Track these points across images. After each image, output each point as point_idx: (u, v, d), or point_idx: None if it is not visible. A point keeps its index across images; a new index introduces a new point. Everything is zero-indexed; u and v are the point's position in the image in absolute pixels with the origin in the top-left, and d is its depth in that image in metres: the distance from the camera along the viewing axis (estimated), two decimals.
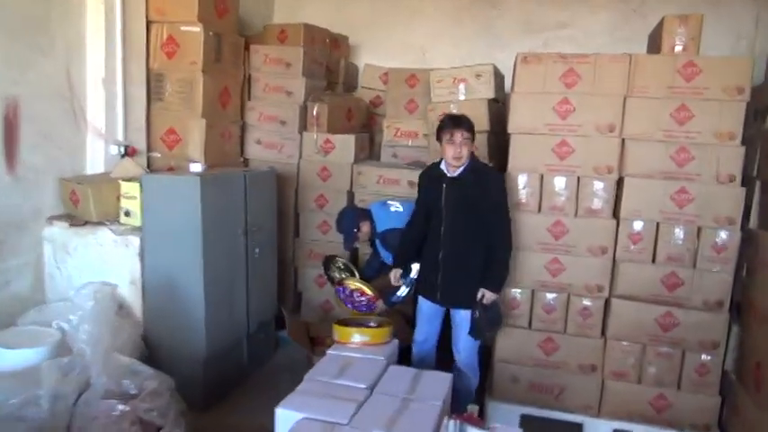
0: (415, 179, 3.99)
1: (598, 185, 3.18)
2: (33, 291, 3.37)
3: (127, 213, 3.36)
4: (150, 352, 3.37)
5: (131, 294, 3.34)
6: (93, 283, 3.13)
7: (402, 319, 3.97)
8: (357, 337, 2.96)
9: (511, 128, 3.27)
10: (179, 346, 3.33)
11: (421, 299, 3.29)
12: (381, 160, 4.69)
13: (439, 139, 3.05)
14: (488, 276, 3.06)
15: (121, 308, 3.36)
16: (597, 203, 3.19)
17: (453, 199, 3.04)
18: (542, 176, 3.24)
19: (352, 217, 3.64)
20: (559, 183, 3.22)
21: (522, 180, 3.27)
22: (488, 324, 3.09)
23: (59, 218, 3.39)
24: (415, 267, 3.35)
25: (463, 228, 3.06)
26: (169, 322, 3.33)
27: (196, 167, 3.43)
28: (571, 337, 3.28)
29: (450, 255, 3.09)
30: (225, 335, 3.44)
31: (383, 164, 4.44)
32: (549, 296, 3.30)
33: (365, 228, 3.62)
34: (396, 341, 3.07)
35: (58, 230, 3.36)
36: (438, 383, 2.61)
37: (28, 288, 3.34)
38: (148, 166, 3.93)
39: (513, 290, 3.35)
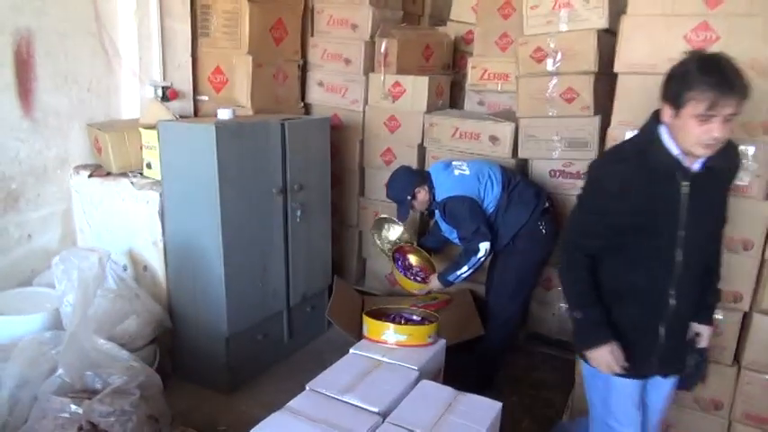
0: (502, 133, 3.23)
1: (745, 151, 2.21)
2: (63, 245, 3.11)
3: (149, 165, 2.95)
4: (174, 326, 3.01)
5: (155, 258, 2.97)
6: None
7: (470, 302, 3.28)
8: (391, 334, 2.34)
9: (619, 65, 2.36)
10: (202, 320, 2.93)
11: (618, 381, 1.94)
12: (466, 108, 3.90)
13: (675, 102, 1.63)
14: (707, 306, 2.01)
15: (146, 272, 3.01)
16: (743, 178, 2.22)
17: (698, 206, 1.75)
18: None
19: (406, 181, 2.95)
20: None
21: None
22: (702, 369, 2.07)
23: (85, 167, 3.07)
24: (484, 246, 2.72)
25: (703, 249, 1.87)
26: (192, 293, 2.92)
27: (225, 114, 2.91)
28: None
29: (686, 293, 1.85)
30: (254, 309, 2.98)
31: (462, 113, 3.65)
32: None
33: (422, 194, 2.93)
34: (442, 342, 2.41)
35: (83, 181, 3.04)
36: (482, 414, 1.93)
37: (56, 242, 3.09)
38: (195, 112, 3.51)
39: None
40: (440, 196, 2.85)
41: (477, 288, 3.36)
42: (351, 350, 2.33)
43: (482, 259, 2.76)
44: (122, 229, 3.02)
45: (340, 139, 3.87)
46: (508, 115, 3.38)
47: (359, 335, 3.11)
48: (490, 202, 2.82)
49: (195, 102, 3.51)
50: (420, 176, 2.95)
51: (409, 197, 2.92)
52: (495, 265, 2.97)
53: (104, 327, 2.54)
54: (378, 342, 2.36)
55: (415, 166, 3.50)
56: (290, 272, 3.18)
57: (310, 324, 3.43)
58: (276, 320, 3.19)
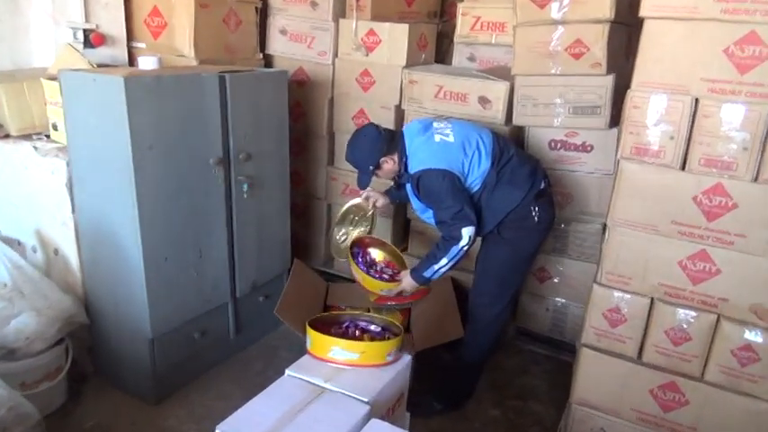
0: (494, 94, 2.66)
1: None
2: None
3: (54, 126, 2.39)
4: (93, 322, 2.51)
5: (66, 240, 2.44)
6: None
7: (450, 293, 2.78)
8: (340, 351, 1.84)
9: (647, 6, 1.78)
10: (122, 317, 2.42)
11: None
12: (454, 64, 3.31)
13: None
14: None
15: (57, 256, 2.49)
16: None
17: None
18: (696, 102, 1.77)
19: (370, 147, 2.36)
20: (731, 115, 1.74)
21: (655, 107, 1.82)
22: None
23: None
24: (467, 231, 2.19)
25: None
26: (110, 285, 2.41)
27: (148, 63, 2.34)
28: (714, 389, 1.93)
29: None
30: (187, 304, 2.47)
31: (447, 69, 3.07)
32: (683, 314, 1.93)
33: (389, 165, 2.36)
34: (406, 360, 1.91)
35: None
36: None
37: None
38: (130, 62, 2.92)
39: (617, 293, 2.01)
40: (414, 167, 2.28)
41: (463, 277, 2.86)
42: (287, 371, 1.83)
43: (465, 249, 2.24)
44: (28, 203, 2.48)
45: (306, 98, 3.30)
46: (503, 73, 2.80)
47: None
48: (476, 180, 2.27)
49: (130, 49, 2.91)
50: (389, 143, 2.35)
51: (372, 167, 2.36)
52: (477, 257, 2.45)
53: None
54: (323, 360, 1.86)
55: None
56: (235, 257, 2.66)
57: (263, 316, 2.91)
58: (219, 315, 2.68)
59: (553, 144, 2.72)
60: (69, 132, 2.25)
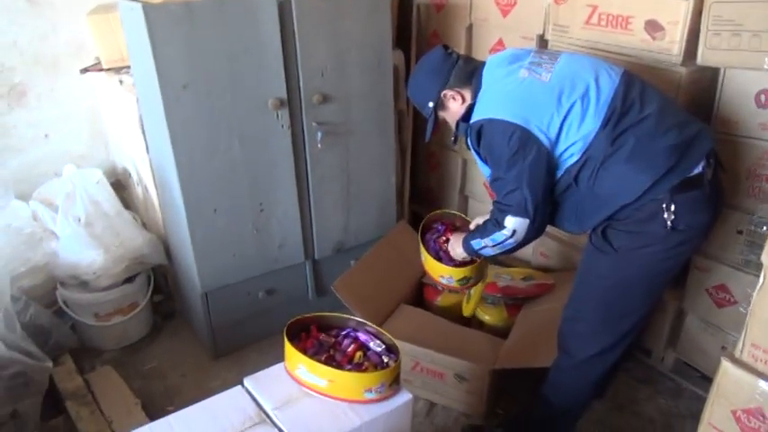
0: (669, 15, 1.76)
1: None
2: (93, 147, 2.73)
3: None
4: (171, 265, 2.47)
5: (149, 178, 2.38)
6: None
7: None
8: (305, 373, 1.40)
9: None
10: (183, 266, 2.31)
11: None
12: None
13: None
14: None
15: (148, 193, 2.47)
16: None
17: None
18: None
19: (430, 74, 1.68)
20: None
21: None
22: None
23: None
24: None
25: None
26: (174, 232, 2.30)
27: None
28: None
29: None
30: (245, 261, 2.23)
31: None
32: None
33: (455, 103, 1.66)
34: (404, 398, 1.39)
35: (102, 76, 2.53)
36: None
37: (83, 144, 2.71)
38: None
39: (765, 384, 1.11)
40: (477, 113, 1.57)
41: None
42: (245, 380, 1.46)
43: (511, 243, 1.55)
44: (124, 138, 2.48)
45: (444, 25, 2.68)
46: None
47: (381, 316, 2.19)
48: (572, 146, 1.47)
49: None
50: (460, 72, 1.64)
51: (432, 104, 1.69)
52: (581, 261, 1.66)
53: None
54: (292, 377, 1.44)
55: None
56: (312, 215, 2.32)
57: None
58: (292, 275, 2.41)
59: (763, 98, 1.68)
60: (132, 67, 2.12)
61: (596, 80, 1.48)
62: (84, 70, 2.46)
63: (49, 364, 1.95)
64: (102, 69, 2.41)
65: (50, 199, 2.44)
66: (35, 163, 2.62)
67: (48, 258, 2.24)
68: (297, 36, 2.02)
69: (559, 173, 1.50)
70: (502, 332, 2.17)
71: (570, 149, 1.47)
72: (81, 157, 2.70)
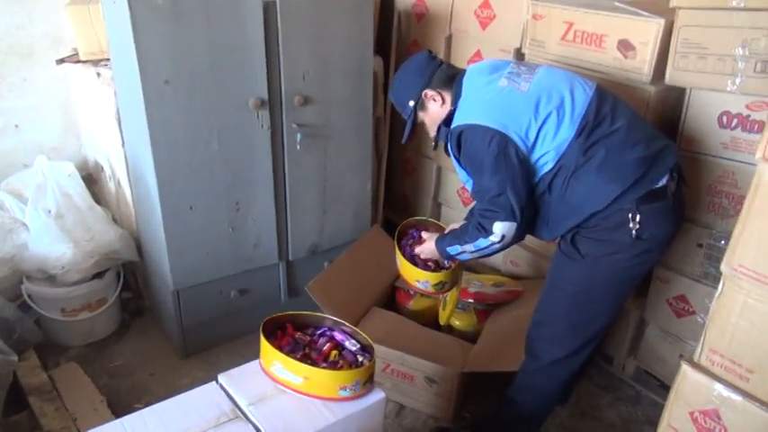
0: (640, 36, 1.83)
1: None
2: (65, 140, 2.69)
3: None
4: (143, 261, 2.45)
5: (122, 173, 2.35)
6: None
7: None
8: (281, 370, 1.41)
9: None
10: (155, 263, 2.30)
11: None
12: None
13: None
14: None
15: (120, 188, 2.44)
16: None
17: None
18: None
19: (413, 74, 1.73)
20: None
21: None
22: None
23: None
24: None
25: None
26: (147, 228, 2.29)
27: None
28: None
29: None
30: (219, 259, 2.23)
31: (585, 1, 2.19)
32: None
33: (435, 104, 1.70)
34: (377, 397, 1.41)
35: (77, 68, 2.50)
36: None
37: (54, 136, 2.67)
38: None
39: (721, 388, 1.19)
40: (458, 118, 1.61)
41: None
42: (219, 376, 1.47)
43: (495, 248, 1.60)
44: (98, 131, 2.45)
45: (424, 34, 2.73)
46: (657, 7, 1.88)
47: (353, 318, 2.21)
48: (547, 154, 1.53)
49: None
50: (443, 76, 1.70)
51: (413, 102, 1.73)
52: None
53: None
54: (267, 374, 1.45)
55: None
56: (287, 216, 2.33)
57: None
58: (265, 276, 2.41)
59: (725, 119, 1.77)
60: (112, 60, 2.11)
61: (571, 93, 1.55)
62: (61, 61, 2.43)
63: (14, 358, 1.91)
64: (78, 61, 2.38)
65: (19, 190, 2.40)
66: (4, 153, 2.56)
67: (15, 250, 2.19)
68: (281, 37, 2.04)
69: (534, 180, 1.56)
70: (472, 337, 2.21)
71: (545, 157, 1.53)
72: (52, 149, 2.66)
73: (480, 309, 2.32)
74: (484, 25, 2.42)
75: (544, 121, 1.51)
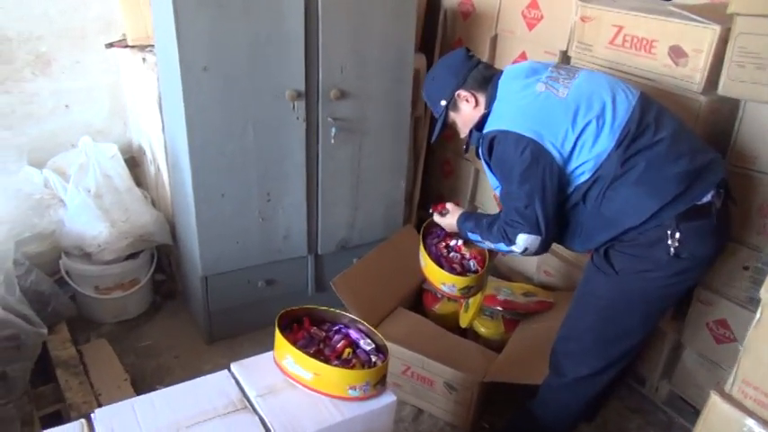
0: (693, 43, 1.74)
1: None
2: (112, 122, 2.75)
3: None
4: (176, 245, 2.49)
5: (162, 158, 2.40)
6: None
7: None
8: (292, 364, 1.40)
9: None
10: (186, 248, 2.33)
11: None
12: None
13: None
14: None
15: (159, 172, 2.49)
16: None
17: None
18: None
19: (447, 74, 1.68)
20: None
21: None
22: None
23: None
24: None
25: None
26: (181, 213, 2.32)
27: None
28: None
29: None
30: (248, 248, 2.24)
31: (638, 4, 2.07)
32: None
33: (468, 105, 1.65)
34: (387, 400, 1.38)
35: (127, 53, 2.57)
36: None
37: (102, 118, 2.71)
38: None
39: (753, 424, 1.10)
40: (490, 124, 1.56)
41: None
42: (231, 365, 1.47)
43: (515, 254, 1.55)
44: (142, 115, 2.51)
45: (469, 34, 2.68)
46: (713, 13, 1.78)
47: (377, 317, 2.19)
48: (584, 165, 1.46)
49: None
50: (478, 76, 1.64)
51: (444, 102, 1.68)
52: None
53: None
54: (279, 367, 1.44)
55: None
56: (318, 210, 2.32)
57: None
58: (293, 268, 2.41)
59: None
60: (156, 47, 2.15)
61: (613, 100, 1.47)
62: (110, 45, 2.49)
63: (44, 330, 1.97)
64: (127, 46, 2.44)
65: (64, 169, 2.46)
66: (53, 132, 2.64)
67: (54, 226, 2.26)
68: (320, 29, 2.03)
69: (569, 190, 1.49)
70: (497, 345, 2.15)
71: (581, 168, 1.46)
72: (99, 131, 2.72)
73: (508, 317, 2.25)
74: (531, 26, 2.35)
75: (582, 131, 1.44)
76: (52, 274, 2.37)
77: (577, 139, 1.44)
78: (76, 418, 1.29)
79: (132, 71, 2.49)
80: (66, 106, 2.65)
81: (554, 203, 1.46)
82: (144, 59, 2.34)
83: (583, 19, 2.09)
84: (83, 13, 2.53)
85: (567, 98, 1.48)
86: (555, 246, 1.64)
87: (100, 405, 1.91)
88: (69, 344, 2.14)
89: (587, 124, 1.44)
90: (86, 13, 2.54)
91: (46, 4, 2.45)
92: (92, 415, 1.28)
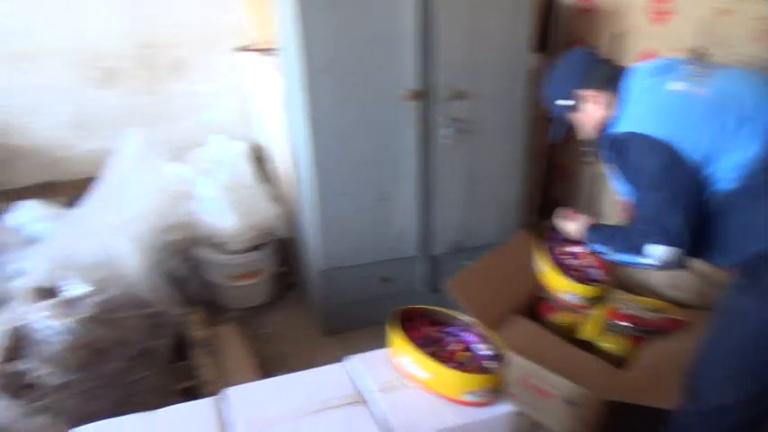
0: None
1: None
2: (240, 121, 2.97)
3: None
4: (293, 236, 2.62)
5: (281, 157, 2.54)
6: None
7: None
8: (410, 363, 1.45)
9: None
10: (305, 242, 2.45)
11: None
12: None
13: None
14: None
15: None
16: None
17: None
18: None
19: (570, 71, 1.61)
20: None
21: None
22: None
23: None
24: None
25: None
26: (301, 209, 2.44)
27: None
28: None
29: None
30: (364, 245, 2.33)
31: None
32: None
33: (592, 106, 1.57)
34: (503, 409, 1.39)
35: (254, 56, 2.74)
36: None
37: (230, 118, 2.95)
38: None
39: None
40: (619, 125, 1.48)
41: None
42: (345, 359, 1.54)
43: (647, 268, 1.46)
44: (267, 115, 2.67)
45: (588, 31, 2.58)
46: None
47: (493, 322, 2.16)
48: (728, 171, 1.36)
49: None
50: (603, 75, 1.55)
51: (565, 102, 1.61)
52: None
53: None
54: (395, 364, 1.49)
55: None
56: (431, 211, 2.36)
57: None
58: (406, 267, 2.46)
59: None
60: (280, 50, 2.27)
61: (760, 99, 1.37)
62: (239, 49, 2.67)
63: (183, 311, 2.16)
64: (254, 50, 2.60)
65: (197, 164, 2.69)
66: (190, 130, 2.88)
67: (189, 217, 2.46)
68: (436, 29, 2.05)
69: (710, 196, 1.39)
70: (619, 362, 2.03)
71: (722, 173, 1.36)
72: (228, 130, 2.94)
73: (636, 334, 2.12)
74: (658, 20, 2.22)
75: (723, 133, 1.35)
76: (187, 261, 2.60)
77: (718, 141, 1.35)
78: (209, 395, 1.41)
79: (258, 74, 2.65)
80: (202, 106, 2.88)
81: (694, 211, 1.37)
82: (269, 62, 2.49)
83: (721, 12, 1.95)
84: (215, 19, 2.74)
85: (707, 97, 1.38)
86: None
87: (228, 384, 2.07)
88: (203, 326, 2.33)
89: (729, 125, 1.34)
90: (218, 20, 2.74)
91: (182, 14, 2.68)
92: (223, 392, 1.40)
